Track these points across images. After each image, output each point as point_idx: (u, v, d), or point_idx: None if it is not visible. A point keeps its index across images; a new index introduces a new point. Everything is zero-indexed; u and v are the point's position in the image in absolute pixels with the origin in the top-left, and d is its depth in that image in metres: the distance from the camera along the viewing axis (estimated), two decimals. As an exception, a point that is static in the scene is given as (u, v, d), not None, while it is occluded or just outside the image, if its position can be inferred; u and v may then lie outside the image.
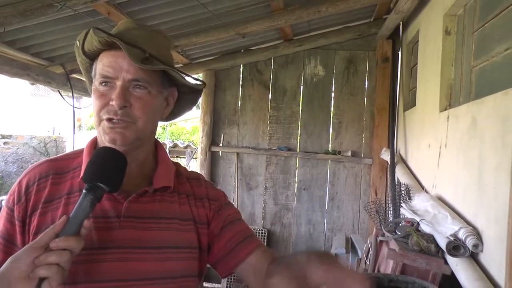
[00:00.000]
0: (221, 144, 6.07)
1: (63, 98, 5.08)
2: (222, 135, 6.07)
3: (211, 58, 5.87)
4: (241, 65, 6.01)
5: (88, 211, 1.05)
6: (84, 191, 1.07)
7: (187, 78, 1.31)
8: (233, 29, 4.42)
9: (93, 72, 1.24)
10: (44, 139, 9.77)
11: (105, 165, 1.11)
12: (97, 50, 1.20)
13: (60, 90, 4.94)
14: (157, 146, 1.35)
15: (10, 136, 9.78)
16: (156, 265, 1.19)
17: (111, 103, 1.16)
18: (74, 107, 4.81)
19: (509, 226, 1.67)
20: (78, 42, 1.22)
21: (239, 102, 6.06)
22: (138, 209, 1.21)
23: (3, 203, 3.95)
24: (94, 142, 1.29)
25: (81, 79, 5.03)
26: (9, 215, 1.20)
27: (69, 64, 4.54)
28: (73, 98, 4.82)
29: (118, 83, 1.17)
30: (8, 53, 3.94)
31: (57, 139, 9.14)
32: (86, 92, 5.21)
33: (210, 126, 6.03)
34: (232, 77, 6.04)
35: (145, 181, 1.26)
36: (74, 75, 4.82)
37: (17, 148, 9.61)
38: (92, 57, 1.23)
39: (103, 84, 1.18)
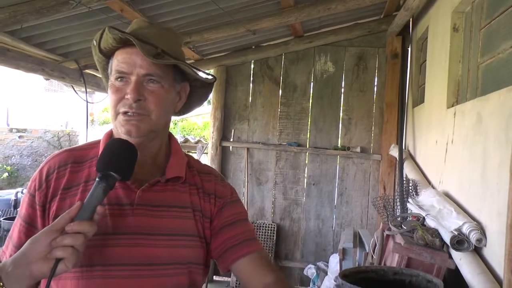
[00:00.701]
0: (231, 139, 6.14)
1: (77, 93, 5.18)
2: (233, 131, 6.14)
3: (222, 54, 5.93)
4: (252, 61, 6.07)
5: (101, 197, 1.13)
6: (97, 179, 1.14)
7: (198, 73, 1.37)
8: (243, 26, 4.48)
9: (109, 69, 1.31)
10: (58, 133, 9.91)
11: (117, 155, 1.18)
12: (113, 48, 1.27)
13: (73, 85, 5.04)
14: (170, 138, 1.42)
15: (25, 130, 9.94)
16: (166, 251, 1.26)
17: (126, 97, 1.23)
18: (87, 101, 4.91)
19: (508, 220, 1.71)
20: (95, 41, 1.29)
21: (250, 98, 6.12)
22: (150, 198, 1.28)
23: (19, 195, 4.08)
24: (110, 134, 1.36)
25: (94, 75, 5.12)
26: (30, 200, 1.28)
27: (82, 59, 4.64)
28: (86, 93, 4.92)
29: (133, 78, 1.24)
30: (24, 49, 4.04)
31: (70, 133, 9.28)
32: (99, 87, 5.31)
33: (221, 122, 6.10)
34: (243, 73, 6.10)
35: (158, 171, 1.33)
36: (87, 71, 4.92)
37: (32, 142, 9.76)
38: (108, 55, 1.30)
39: (119, 79, 1.25)
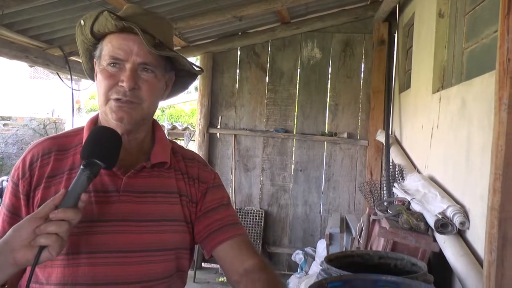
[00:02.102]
0: (218, 126, 6.13)
1: (62, 80, 5.13)
2: (220, 117, 6.13)
3: (209, 41, 5.90)
4: (239, 48, 6.04)
5: (85, 185, 1.12)
6: (81, 167, 1.13)
7: (190, 65, 1.37)
8: (229, 12, 4.45)
9: (97, 52, 1.28)
10: (44, 121, 9.82)
11: (102, 143, 1.17)
12: (107, 32, 1.25)
13: (58, 73, 4.99)
14: (155, 125, 1.41)
15: (9, 118, 9.82)
16: (153, 237, 1.27)
17: (120, 84, 1.22)
18: (72, 89, 4.87)
19: (489, 203, 1.74)
20: (83, 21, 1.26)
21: (237, 85, 6.10)
22: (136, 184, 1.28)
23: (4, 183, 4.06)
24: (94, 120, 1.35)
25: (79, 62, 5.06)
26: (14, 189, 1.27)
27: (67, 46, 4.59)
28: (71, 80, 4.87)
29: (128, 65, 1.23)
30: (7, 36, 3.98)
31: (56, 121, 9.19)
32: (83, 74, 5.25)
33: (208, 108, 6.08)
34: (229, 59, 6.08)
35: (143, 158, 1.33)
36: (73, 58, 4.86)
37: (17, 130, 9.66)
38: (97, 38, 1.27)
39: (112, 65, 1.23)
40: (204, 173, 1.42)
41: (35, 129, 9.38)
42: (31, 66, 5.15)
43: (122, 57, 1.23)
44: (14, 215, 1.26)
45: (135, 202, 1.27)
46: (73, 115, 4.93)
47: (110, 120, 1.26)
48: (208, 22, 4.62)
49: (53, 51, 4.56)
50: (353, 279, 1.96)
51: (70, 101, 5.13)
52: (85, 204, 1.12)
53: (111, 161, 1.18)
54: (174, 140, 1.51)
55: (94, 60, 1.31)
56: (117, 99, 1.23)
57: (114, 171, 1.26)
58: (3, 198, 1.30)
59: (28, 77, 15.97)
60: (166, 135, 1.47)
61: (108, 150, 1.18)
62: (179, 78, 1.41)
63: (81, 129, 1.35)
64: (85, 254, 1.21)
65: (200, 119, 6.10)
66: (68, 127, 8.11)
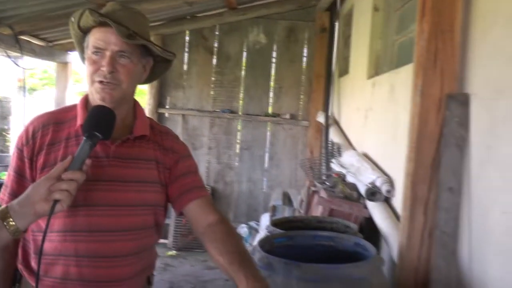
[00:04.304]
0: (167, 106, 6.36)
1: (12, 60, 5.18)
2: (168, 98, 6.35)
3: (159, 23, 6.06)
4: (187, 31, 6.26)
5: (87, 153, 1.39)
6: (84, 138, 1.40)
7: (161, 50, 1.63)
8: (181, -2, 4.67)
9: (85, 43, 1.54)
10: (-13, 99, 9.58)
11: (101, 119, 1.44)
12: (90, 26, 1.51)
13: (7, 51, 5.02)
14: (135, 103, 1.68)
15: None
16: (136, 196, 1.55)
17: (101, 68, 1.48)
18: (24, 68, 4.95)
19: (406, 169, 2.13)
20: (73, 18, 1.52)
21: (185, 66, 6.33)
22: (122, 152, 1.56)
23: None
24: (86, 98, 1.60)
25: (29, 41, 5.14)
26: (19, 154, 1.52)
27: (18, 25, 4.62)
28: (22, 59, 4.93)
29: (107, 53, 1.49)
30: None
31: (2, 99, 9.00)
32: (34, 53, 5.32)
33: (157, 89, 6.27)
34: (178, 42, 6.28)
35: (127, 131, 1.60)
36: (23, 37, 4.91)
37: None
38: (85, 31, 1.54)
39: (95, 53, 1.50)
40: (176, 145, 1.71)
41: (-20, 108, 9.17)
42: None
43: (102, 46, 1.49)
44: (20, 176, 1.51)
45: (121, 167, 1.54)
46: (25, 93, 5.01)
47: (95, 99, 1.52)
48: (160, 7, 4.80)
49: (2, 30, 4.58)
50: (295, 235, 2.33)
51: (12, 79, 5.19)
52: (88, 167, 1.39)
53: (107, 133, 1.45)
54: (150, 117, 1.78)
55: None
56: (100, 81, 1.49)
57: (104, 141, 1.53)
58: (11, 162, 1.54)
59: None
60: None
61: (106, 125, 1.44)
62: (158, 63, 1.67)
63: (74, 106, 1.61)
64: (83, 207, 1.47)
65: (149, 99, 6.28)
66: (15, 106, 8.01)
